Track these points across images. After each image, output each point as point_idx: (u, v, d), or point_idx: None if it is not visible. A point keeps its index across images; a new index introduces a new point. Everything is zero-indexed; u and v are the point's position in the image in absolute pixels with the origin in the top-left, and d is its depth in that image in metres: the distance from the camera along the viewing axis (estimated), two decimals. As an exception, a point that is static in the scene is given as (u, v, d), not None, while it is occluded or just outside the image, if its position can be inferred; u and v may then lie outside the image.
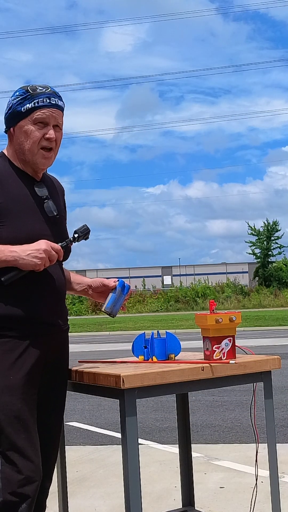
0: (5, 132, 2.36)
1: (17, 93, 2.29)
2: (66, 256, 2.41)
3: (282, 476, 4.10)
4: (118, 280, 2.46)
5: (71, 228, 2.43)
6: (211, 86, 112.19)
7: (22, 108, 2.26)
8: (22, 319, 2.22)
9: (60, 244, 2.30)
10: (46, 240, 2.25)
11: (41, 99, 2.26)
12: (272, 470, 2.46)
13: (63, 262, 2.46)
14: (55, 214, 2.35)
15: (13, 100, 2.29)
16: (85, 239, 2.40)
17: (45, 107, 2.27)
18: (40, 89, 2.28)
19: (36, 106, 2.26)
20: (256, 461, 2.67)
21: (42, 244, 2.22)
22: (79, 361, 2.64)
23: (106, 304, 2.44)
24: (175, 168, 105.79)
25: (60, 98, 2.32)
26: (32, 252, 2.20)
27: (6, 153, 2.37)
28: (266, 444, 2.48)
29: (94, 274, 58.28)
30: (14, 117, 2.29)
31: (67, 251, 2.39)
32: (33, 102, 2.25)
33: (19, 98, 2.27)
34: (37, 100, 2.25)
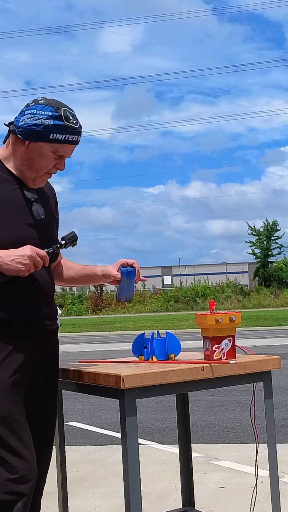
0: (18, 137, 2.29)
1: (49, 112, 2.24)
2: (53, 259, 2.41)
3: (282, 476, 4.10)
4: (120, 270, 2.44)
5: (67, 229, 2.42)
6: (211, 86, 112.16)
7: (51, 134, 2.24)
8: (9, 321, 2.22)
9: (46, 250, 2.29)
10: (31, 246, 2.22)
11: (71, 137, 2.26)
12: (272, 470, 2.46)
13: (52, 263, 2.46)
14: (43, 217, 2.34)
15: (44, 119, 2.23)
16: (73, 246, 2.40)
17: (71, 143, 2.28)
18: (71, 121, 2.26)
19: (64, 141, 2.26)
20: (256, 461, 2.67)
21: (27, 250, 2.20)
22: (79, 361, 2.65)
23: (118, 295, 2.44)
24: (174, 168, 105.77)
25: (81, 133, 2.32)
26: (17, 258, 2.18)
27: None
28: (266, 444, 2.48)
29: (94, 274, 58.21)
30: (39, 135, 2.24)
31: (54, 255, 2.39)
32: (64, 136, 2.25)
33: (51, 124, 2.23)
34: (68, 137, 2.25)
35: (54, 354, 2.41)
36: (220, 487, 4.05)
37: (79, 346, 16.57)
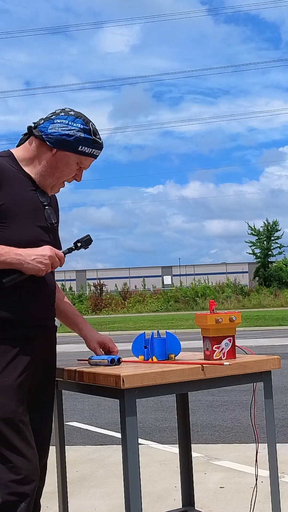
0: (44, 143, 2.32)
1: (80, 125, 2.31)
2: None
3: (282, 476, 4.10)
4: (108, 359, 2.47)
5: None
6: (210, 86, 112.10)
7: (80, 146, 2.31)
8: (16, 322, 2.24)
9: (62, 251, 2.33)
10: (50, 247, 2.26)
11: (96, 151, 2.36)
12: (272, 470, 2.46)
13: None
14: (54, 222, 2.37)
15: (76, 131, 2.30)
16: (85, 249, 2.44)
17: (93, 157, 2.37)
18: (97, 136, 2.36)
19: (89, 154, 2.35)
20: (256, 461, 2.67)
21: (47, 250, 2.23)
22: (78, 360, 2.65)
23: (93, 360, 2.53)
24: (174, 168, 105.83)
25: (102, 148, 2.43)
26: (38, 257, 2.21)
27: (14, 153, 2.35)
28: (266, 444, 2.48)
29: (94, 274, 58.29)
30: (68, 145, 2.30)
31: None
32: (91, 150, 2.34)
33: (82, 136, 2.30)
34: (93, 151, 2.35)
35: (53, 355, 2.43)
36: (220, 487, 4.05)
37: (79, 346, 16.55)
